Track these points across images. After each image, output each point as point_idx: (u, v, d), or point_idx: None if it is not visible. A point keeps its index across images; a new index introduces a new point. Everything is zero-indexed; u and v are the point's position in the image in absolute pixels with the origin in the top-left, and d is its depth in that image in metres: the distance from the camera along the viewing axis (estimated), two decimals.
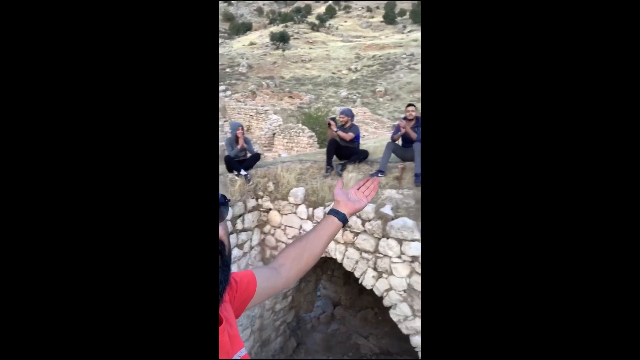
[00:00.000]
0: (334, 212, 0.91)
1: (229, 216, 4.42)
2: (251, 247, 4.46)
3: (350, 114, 4.73)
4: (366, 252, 3.76)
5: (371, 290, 3.80)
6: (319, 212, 4.08)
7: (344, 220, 0.90)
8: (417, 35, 38.78)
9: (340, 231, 4.02)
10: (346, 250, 3.88)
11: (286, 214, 4.36)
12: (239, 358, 0.58)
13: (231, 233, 4.18)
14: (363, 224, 3.76)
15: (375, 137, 11.73)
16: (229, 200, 0.62)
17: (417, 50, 32.07)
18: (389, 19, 49.61)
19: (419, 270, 3.49)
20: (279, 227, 4.45)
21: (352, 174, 4.33)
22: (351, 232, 3.86)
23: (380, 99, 24.24)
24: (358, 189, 0.95)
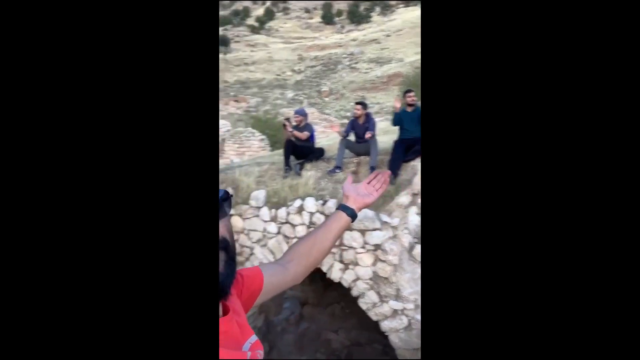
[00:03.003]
0: (342, 208, 0.90)
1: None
2: None
3: (304, 114, 4.81)
4: None
5: (336, 285, 3.90)
6: (282, 213, 4.11)
7: (352, 215, 0.90)
8: (356, 34, 39.96)
9: (304, 230, 4.09)
10: None
11: (248, 218, 4.33)
12: (249, 344, 0.59)
13: None
14: None
15: (326, 136, 11.96)
16: (232, 195, 0.62)
17: (357, 50, 33.06)
18: (327, 19, 50.56)
19: (382, 257, 3.66)
20: (242, 232, 4.40)
21: (310, 172, 4.41)
22: None
23: (326, 99, 24.66)
24: (368, 183, 0.94)
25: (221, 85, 25.26)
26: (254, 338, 0.61)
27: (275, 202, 4.19)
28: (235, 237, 4.44)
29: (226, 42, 34.22)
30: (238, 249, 4.45)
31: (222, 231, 0.56)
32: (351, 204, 0.90)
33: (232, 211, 4.35)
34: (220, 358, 0.48)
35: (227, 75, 28.22)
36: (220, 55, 31.72)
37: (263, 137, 13.43)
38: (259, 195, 4.25)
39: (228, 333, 0.55)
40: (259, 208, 4.26)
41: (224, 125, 15.06)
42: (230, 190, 4.00)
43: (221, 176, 4.63)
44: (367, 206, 0.93)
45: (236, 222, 4.40)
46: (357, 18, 48.11)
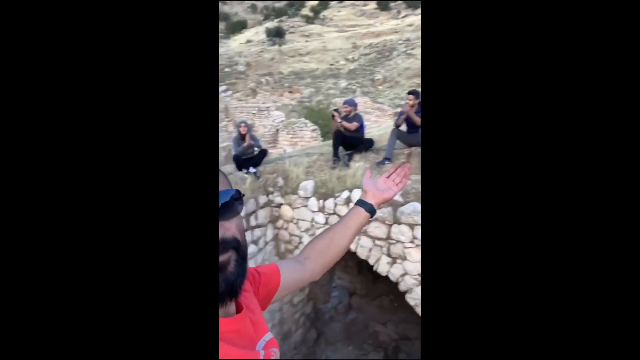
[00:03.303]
0: (361, 203, 0.87)
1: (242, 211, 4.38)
2: (266, 243, 4.53)
3: (353, 104, 4.74)
4: (379, 239, 3.81)
5: (385, 277, 3.85)
6: (330, 204, 4.13)
7: (371, 211, 0.87)
8: (412, 19, 38.26)
9: None
10: (359, 239, 3.93)
11: (297, 208, 4.42)
12: (264, 342, 0.58)
13: (246, 230, 4.24)
14: None
15: (377, 126, 11.71)
16: (243, 195, 0.60)
17: (413, 35, 31.68)
18: (383, 5, 49.03)
19: None
20: (292, 221, 4.51)
21: (359, 163, 4.37)
22: None
23: (380, 87, 24.07)
24: (388, 177, 0.91)
25: (276, 77, 25.79)
26: (268, 336, 0.60)
27: (323, 192, 4.22)
28: (285, 225, 4.58)
29: (281, 33, 34.72)
30: (287, 237, 4.57)
31: (234, 231, 0.54)
32: (370, 199, 0.87)
33: (282, 200, 4.47)
34: (231, 357, 0.47)
35: (282, 66, 28.71)
36: (276, 47, 32.33)
37: (315, 127, 13.57)
38: (308, 185, 4.31)
39: (241, 331, 0.54)
40: (307, 198, 4.32)
41: (278, 116, 15.45)
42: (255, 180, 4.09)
43: (272, 166, 4.77)
44: (387, 201, 0.89)
45: (286, 211, 4.51)
46: (414, 1, 46.00)
